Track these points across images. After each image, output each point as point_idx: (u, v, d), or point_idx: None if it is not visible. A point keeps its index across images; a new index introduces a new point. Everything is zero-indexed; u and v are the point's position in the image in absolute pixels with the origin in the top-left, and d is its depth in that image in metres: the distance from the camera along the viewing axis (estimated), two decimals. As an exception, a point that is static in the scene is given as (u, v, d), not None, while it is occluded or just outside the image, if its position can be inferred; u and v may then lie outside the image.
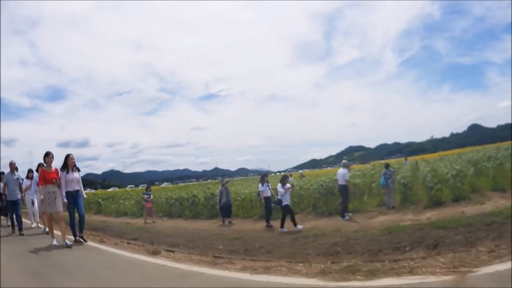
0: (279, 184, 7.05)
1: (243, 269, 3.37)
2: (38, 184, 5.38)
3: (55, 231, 6.08)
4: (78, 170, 5.48)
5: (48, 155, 5.28)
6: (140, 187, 48.13)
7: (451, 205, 7.71)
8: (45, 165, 6.70)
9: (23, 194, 7.09)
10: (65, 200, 5.20)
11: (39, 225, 7.57)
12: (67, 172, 5.34)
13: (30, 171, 7.73)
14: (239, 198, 9.91)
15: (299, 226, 6.64)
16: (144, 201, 10.57)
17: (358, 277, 2.88)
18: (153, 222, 9.99)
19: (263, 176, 7.92)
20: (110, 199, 17.48)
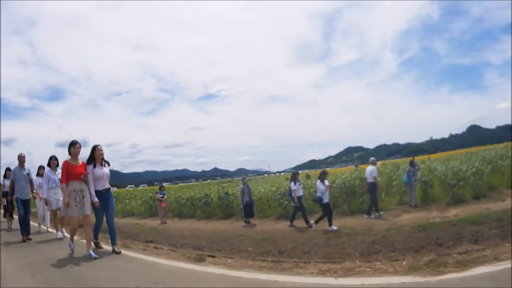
0: (319, 181, 6.77)
1: (321, 273, 2.96)
2: (61, 181, 4.41)
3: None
4: (108, 164, 4.55)
5: (74, 145, 4.27)
6: (140, 187, 47.67)
7: (472, 202, 7.76)
8: (53, 160, 5.77)
9: (34, 193, 6.28)
10: (96, 199, 4.26)
11: (49, 229, 6.81)
12: (95, 166, 4.37)
13: (41, 167, 6.94)
14: (254, 197, 9.56)
15: (334, 227, 6.37)
16: (157, 200, 10.22)
17: (452, 269, 2.78)
18: (164, 223, 9.63)
19: (295, 174, 7.55)
20: (114, 199, 17.03)
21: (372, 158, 8.25)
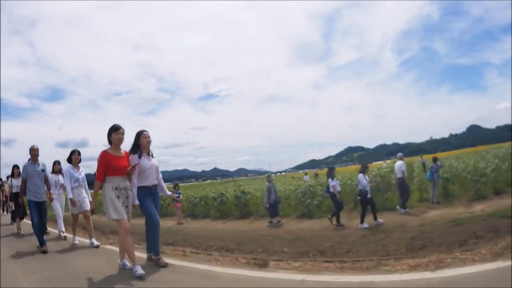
0: (361, 174, 6.61)
1: (413, 268, 2.78)
2: (95, 178, 3.39)
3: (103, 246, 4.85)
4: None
5: (117, 130, 3.34)
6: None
7: (494, 198, 7.80)
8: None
9: (50, 193, 5.26)
10: (137, 202, 3.40)
11: (63, 234, 5.95)
12: (140, 157, 3.49)
13: (56, 162, 6.09)
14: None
15: (366, 225, 6.21)
16: (173, 200, 9.90)
17: None
18: (181, 223, 9.33)
19: (332, 170, 7.31)
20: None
21: (399, 154, 8.24)
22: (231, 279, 2.93)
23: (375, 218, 6.38)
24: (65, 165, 5.78)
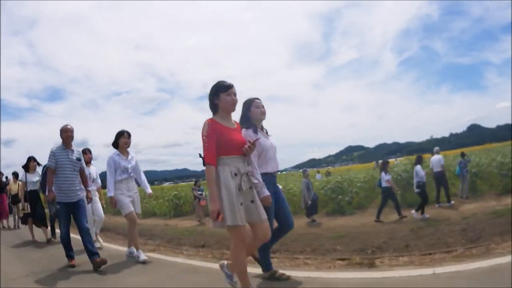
0: (419, 166, 6.63)
1: None
2: (203, 160, 2.08)
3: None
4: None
5: (228, 89, 2.14)
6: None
7: None
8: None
9: (88, 191, 3.95)
10: (267, 192, 2.32)
11: (100, 244, 4.82)
12: (255, 132, 2.49)
13: (86, 151, 4.93)
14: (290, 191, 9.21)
15: (426, 215, 6.36)
16: (195, 198, 9.62)
17: None
18: (203, 223, 9.05)
19: (385, 163, 7.12)
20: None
21: (436, 148, 8.35)
22: (349, 284, 2.50)
23: (422, 212, 6.40)
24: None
